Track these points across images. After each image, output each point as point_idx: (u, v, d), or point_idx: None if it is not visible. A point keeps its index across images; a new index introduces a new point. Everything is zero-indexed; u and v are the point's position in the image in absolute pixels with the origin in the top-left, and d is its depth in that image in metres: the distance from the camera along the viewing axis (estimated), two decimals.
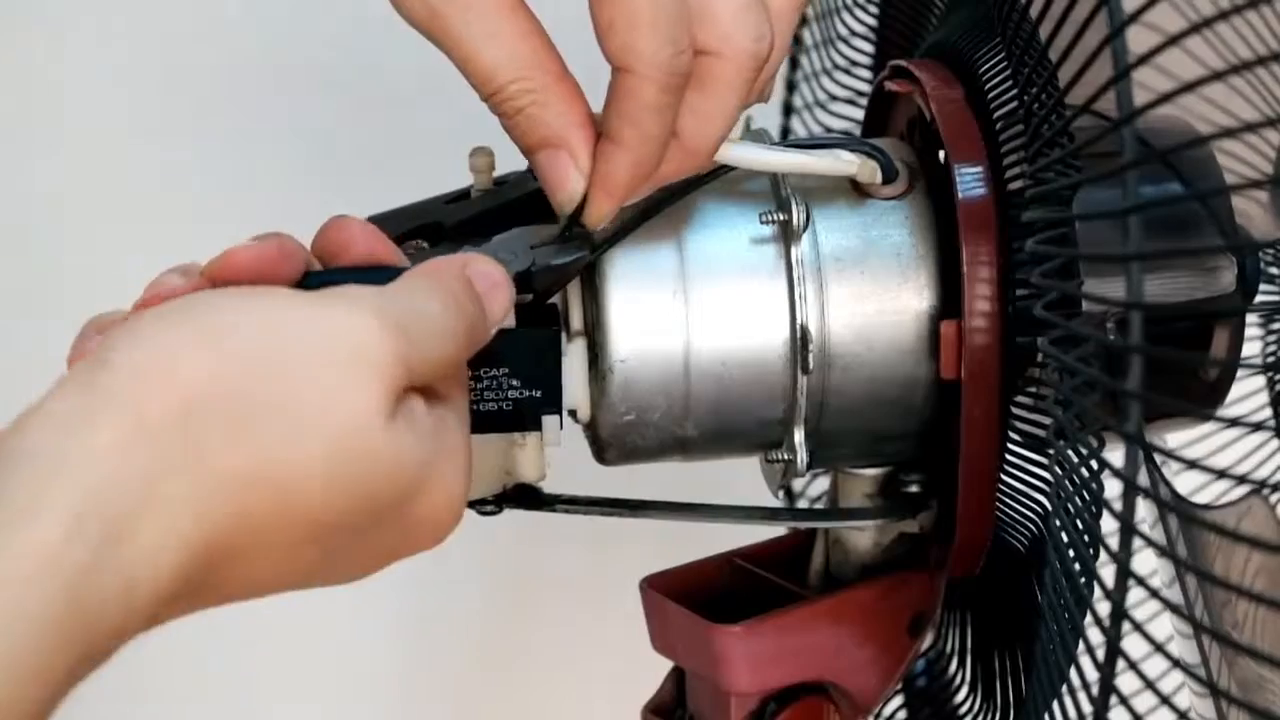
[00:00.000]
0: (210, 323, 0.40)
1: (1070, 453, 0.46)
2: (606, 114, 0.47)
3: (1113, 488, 0.44)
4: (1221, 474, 0.38)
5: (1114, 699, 0.42)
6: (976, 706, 0.63)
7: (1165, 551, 0.40)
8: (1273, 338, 0.63)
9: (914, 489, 0.58)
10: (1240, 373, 0.57)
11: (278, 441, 0.39)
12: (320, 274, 0.47)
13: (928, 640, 0.64)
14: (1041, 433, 0.53)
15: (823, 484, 0.74)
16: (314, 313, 0.41)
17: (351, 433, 0.40)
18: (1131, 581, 0.40)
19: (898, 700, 0.69)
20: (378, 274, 0.45)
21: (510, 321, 0.52)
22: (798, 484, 0.76)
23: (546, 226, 0.52)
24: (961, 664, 0.63)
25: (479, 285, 0.46)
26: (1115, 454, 0.46)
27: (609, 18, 0.45)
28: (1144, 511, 0.50)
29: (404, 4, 0.46)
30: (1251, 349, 0.63)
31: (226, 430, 0.38)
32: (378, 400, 0.40)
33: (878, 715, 0.67)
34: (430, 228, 0.55)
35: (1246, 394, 0.62)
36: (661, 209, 0.53)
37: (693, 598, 0.59)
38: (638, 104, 0.46)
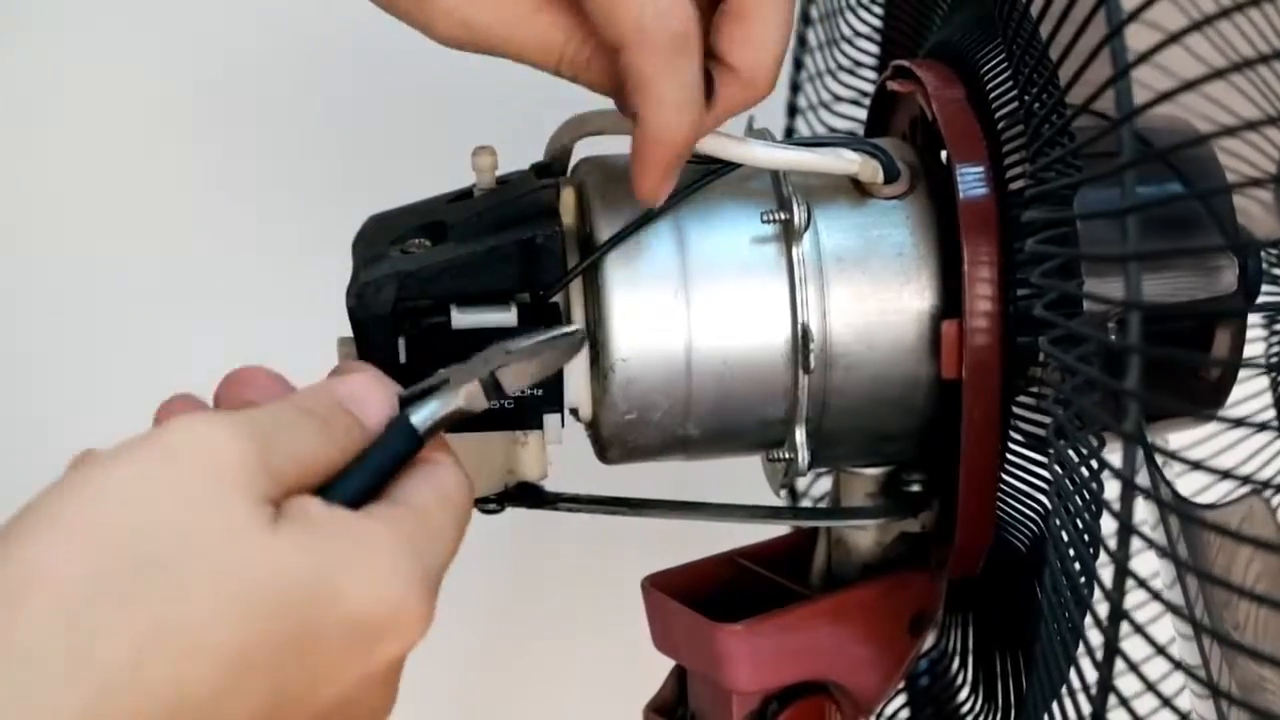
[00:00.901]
0: (59, 513, 0.37)
1: (1070, 452, 0.46)
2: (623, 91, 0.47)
3: (1113, 487, 0.44)
4: (1225, 474, 0.37)
5: (1113, 700, 0.42)
6: (978, 707, 0.63)
7: (1165, 552, 0.40)
8: (1276, 338, 0.63)
9: (915, 488, 0.58)
10: (1244, 373, 0.57)
11: (159, 600, 0.36)
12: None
13: (930, 639, 0.64)
14: (1042, 432, 0.53)
15: (826, 484, 0.74)
16: (159, 447, 0.39)
17: (227, 558, 0.37)
18: (1132, 583, 0.40)
19: (900, 699, 0.69)
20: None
21: (512, 321, 0.52)
22: (801, 483, 0.76)
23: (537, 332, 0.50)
24: (963, 664, 0.63)
25: (340, 390, 0.44)
26: (1115, 454, 0.46)
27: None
28: (1145, 512, 0.50)
29: (436, 29, 0.47)
30: (1255, 349, 0.63)
31: (106, 614, 0.36)
32: (243, 514, 0.38)
33: (879, 714, 0.67)
34: (433, 226, 0.55)
35: (1250, 395, 0.62)
36: (664, 210, 0.53)
37: (694, 597, 0.59)
38: (639, 78, 0.46)
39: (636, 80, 0.46)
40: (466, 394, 0.46)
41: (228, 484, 0.38)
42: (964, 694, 0.65)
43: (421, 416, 0.45)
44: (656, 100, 0.47)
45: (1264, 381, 0.62)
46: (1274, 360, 0.62)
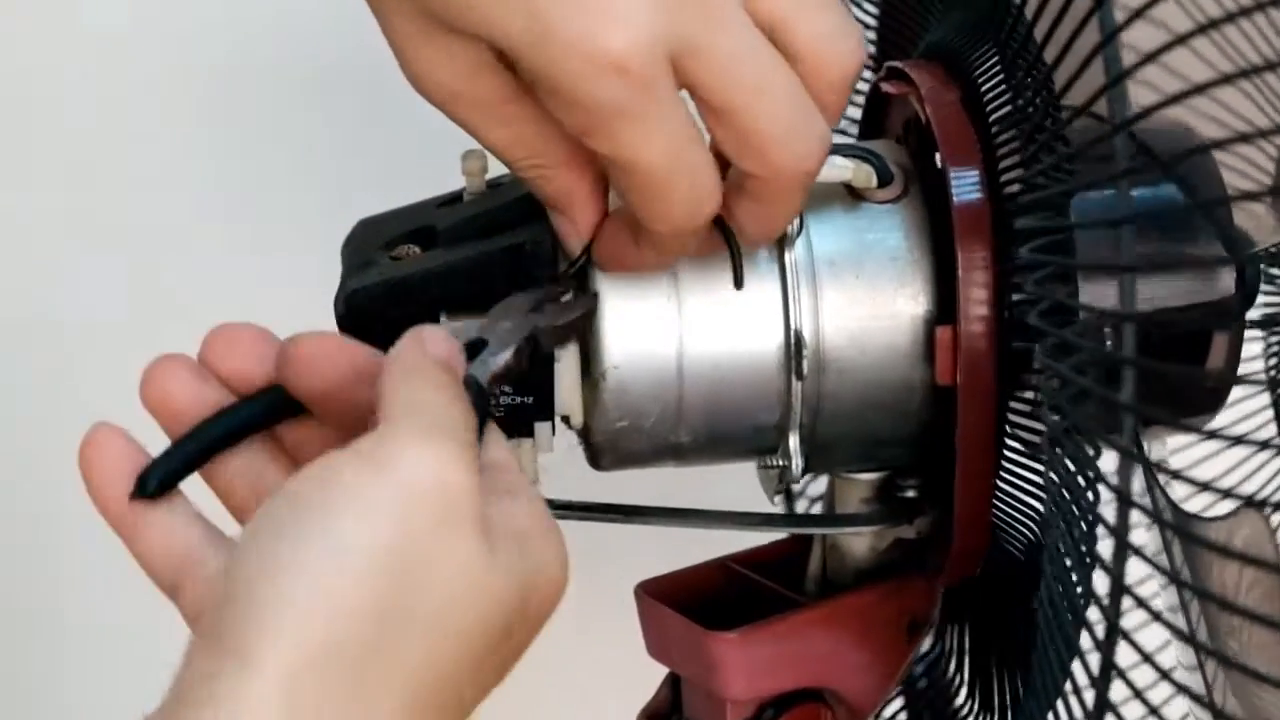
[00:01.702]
0: (305, 561, 0.39)
1: (1064, 462, 0.46)
2: (630, 209, 0.48)
3: (1107, 494, 0.44)
4: (1227, 493, 0.37)
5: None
6: (975, 710, 0.63)
7: (1162, 570, 0.40)
8: (1275, 339, 0.62)
9: (910, 494, 0.57)
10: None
11: (420, 645, 0.39)
12: None
13: (927, 643, 0.63)
14: (1037, 438, 0.52)
15: (823, 482, 0.73)
16: (394, 496, 0.39)
17: (463, 600, 0.40)
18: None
19: (898, 703, 0.68)
20: None
21: None
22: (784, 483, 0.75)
23: (542, 289, 0.52)
24: (960, 667, 0.63)
25: (449, 361, 0.45)
26: (1110, 459, 0.46)
27: (624, 187, 0.46)
28: (1136, 516, 0.49)
29: (424, 88, 0.47)
30: (1254, 348, 0.62)
31: (365, 671, 0.38)
32: (473, 552, 0.40)
33: (877, 717, 0.66)
34: (423, 231, 0.55)
35: (1243, 397, 0.61)
36: None
37: (688, 603, 0.59)
38: (652, 239, 0.48)
39: (654, 247, 0.48)
40: (515, 353, 0.48)
41: (466, 527, 0.40)
42: (961, 697, 0.65)
43: (483, 377, 0.46)
44: (664, 260, 0.50)
45: (1263, 379, 0.62)
46: (1274, 363, 0.61)
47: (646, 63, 0.42)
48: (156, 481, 0.45)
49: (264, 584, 0.38)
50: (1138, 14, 0.38)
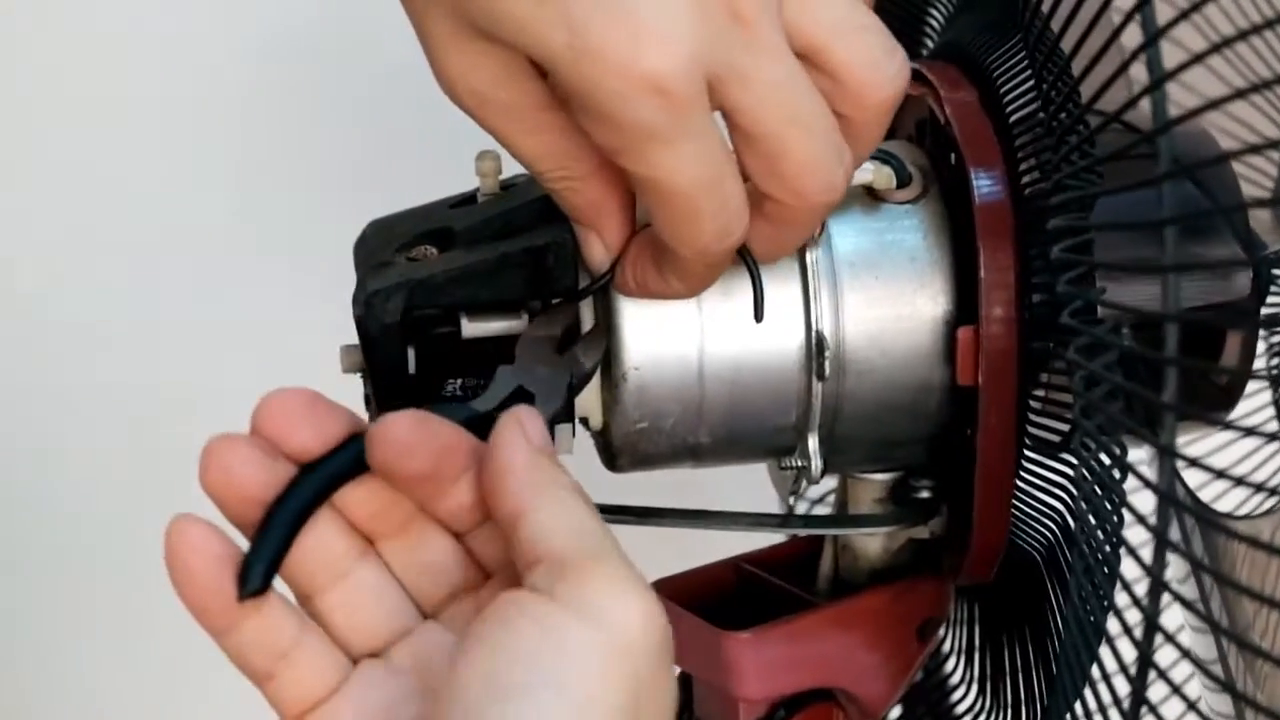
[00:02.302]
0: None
1: (1094, 461, 0.46)
2: (657, 231, 0.47)
3: (1135, 493, 0.44)
4: (1259, 487, 0.37)
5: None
6: (979, 705, 0.63)
7: (1199, 564, 0.40)
8: (1276, 339, 0.63)
9: (924, 494, 0.57)
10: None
11: None
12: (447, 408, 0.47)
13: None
14: (1055, 438, 0.52)
15: (828, 483, 0.73)
16: (617, 647, 0.41)
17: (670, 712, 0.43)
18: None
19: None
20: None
21: (523, 329, 0.52)
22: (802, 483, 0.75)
23: (556, 316, 0.52)
24: (969, 662, 0.63)
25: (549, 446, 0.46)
26: (1135, 457, 0.46)
27: (654, 207, 0.46)
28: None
29: (455, 93, 0.46)
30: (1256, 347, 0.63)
31: None
32: (672, 674, 0.43)
33: (884, 718, 0.66)
34: (439, 232, 0.54)
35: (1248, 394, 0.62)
36: None
37: (700, 604, 0.59)
38: (678, 264, 0.48)
39: (679, 273, 0.48)
40: (564, 404, 0.50)
41: (669, 659, 0.42)
42: (960, 693, 0.65)
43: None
44: (691, 288, 0.49)
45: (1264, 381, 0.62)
46: (1275, 366, 0.62)
47: (685, 85, 0.42)
48: (260, 577, 0.43)
49: None
50: (1184, 15, 0.39)
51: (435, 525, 0.47)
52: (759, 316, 0.52)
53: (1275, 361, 0.62)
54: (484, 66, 0.45)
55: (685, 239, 0.46)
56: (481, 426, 0.45)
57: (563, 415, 0.50)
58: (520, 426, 0.44)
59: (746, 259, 0.50)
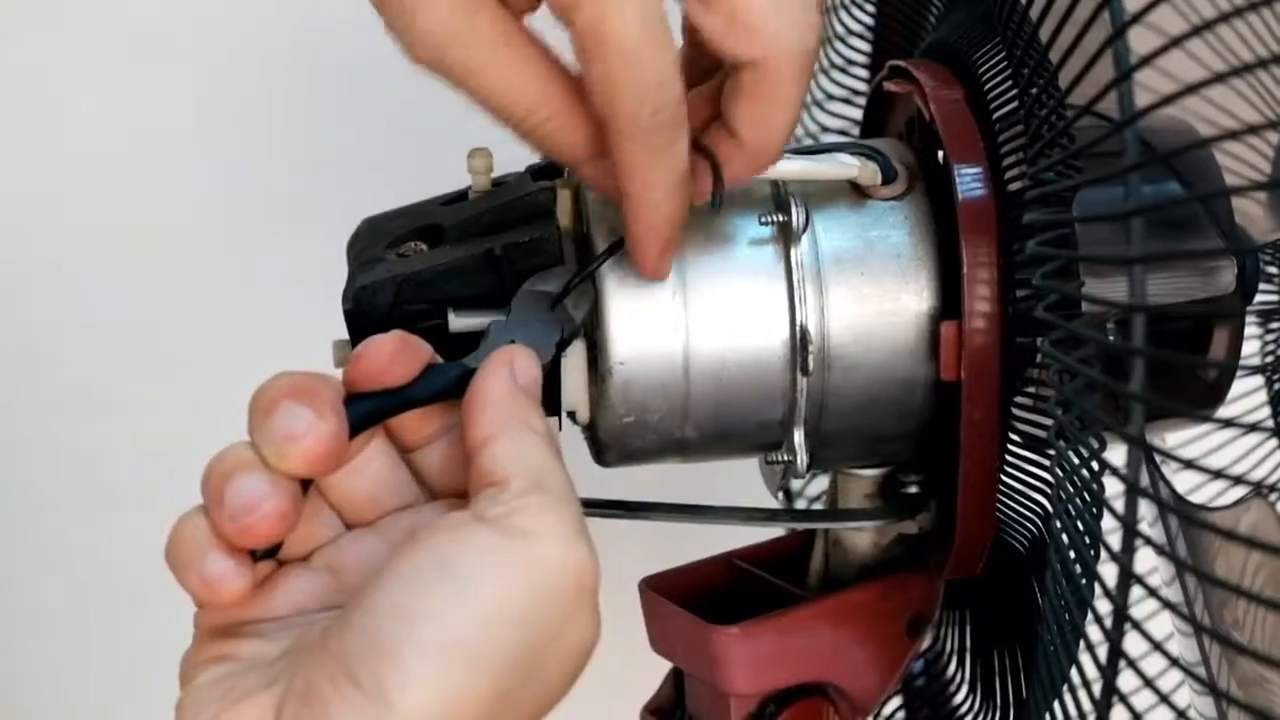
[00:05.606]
0: (458, 641, 0.40)
1: (1071, 454, 0.46)
2: (590, 95, 0.46)
3: (1113, 486, 0.44)
4: (1237, 480, 0.37)
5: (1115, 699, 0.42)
6: (976, 706, 0.63)
7: (1164, 552, 0.40)
8: (1271, 336, 0.63)
9: (913, 490, 0.58)
10: (1241, 371, 0.57)
11: (532, 706, 0.42)
12: (440, 368, 0.48)
13: (926, 640, 0.63)
14: (1041, 433, 0.53)
15: (821, 483, 0.73)
16: (527, 563, 0.41)
17: (580, 662, 0.43)
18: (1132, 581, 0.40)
19: (896, 700, 0.69)
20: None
21: None
22: (796, 482, 0.76)
23: (552, 274, 0.52)
24: (961, 663, 0.63)
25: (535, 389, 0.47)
26: (1115, 453, 0.46)
27: (593, 59, 0.45)
28: (1143, 509, 0.50)
29: (412, 48, 0.46)
30: (1250, 347, 0.63)
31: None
32: (594, 624, 0.43)
33: (876, 715, 0.66)
34: (428, 229, 0.55)
35: (1246, 392, 0.62)
36: None
37: (692, 599, 0.59)
38: (630, 164, 0.47)
39: (628, 166, 0.47)
40: (554, 357, 0.50)
41: (589, 602, 0.43)
42: (961, 694, 0.65)
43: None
44: (644, 184, 0.47)
45: (1258, 379, 0.62)
46: (1270, 360, 0.62)
47: None
48: (353, 429, 0.45)
49: (402, 629, 0.40)
50: (1146, 11, 0.39)
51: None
52: (716, 205, 0.50)
53: (1271, 360, 0.62)
54: None
55: (625, 89, 0.44)
56: None
57: (552, 369, 0.51)
58: (509, 363, 0.46)
59: (705, 152, 0.49)
